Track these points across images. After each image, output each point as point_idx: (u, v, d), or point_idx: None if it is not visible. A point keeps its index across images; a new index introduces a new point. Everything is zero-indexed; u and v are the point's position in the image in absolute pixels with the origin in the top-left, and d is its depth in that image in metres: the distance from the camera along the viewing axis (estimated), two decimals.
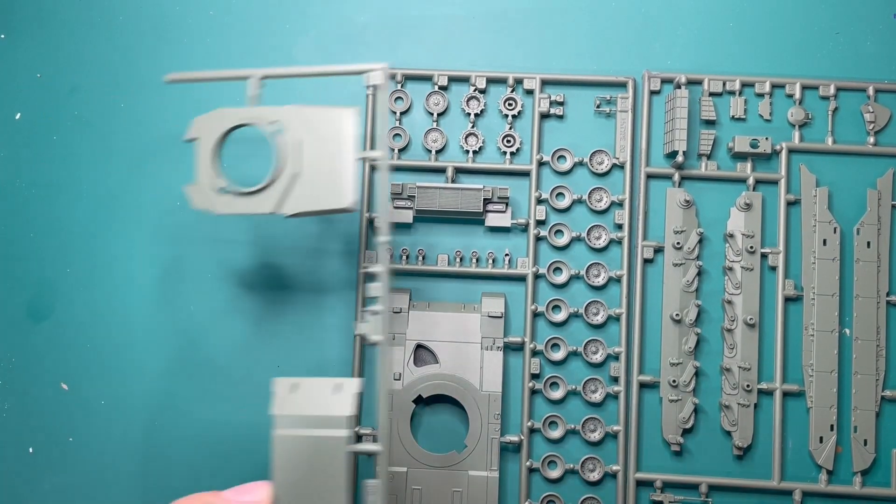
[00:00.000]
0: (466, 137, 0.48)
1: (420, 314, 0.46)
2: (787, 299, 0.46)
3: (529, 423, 0.45)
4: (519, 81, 0.48)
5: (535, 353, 0.46)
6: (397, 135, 0.48)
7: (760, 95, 0.48)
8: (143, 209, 0.48)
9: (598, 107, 0.48)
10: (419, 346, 0.45)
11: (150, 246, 0.48)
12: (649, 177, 0.47)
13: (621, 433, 0.45)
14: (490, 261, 0.47)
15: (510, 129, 0.48)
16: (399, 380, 0.45)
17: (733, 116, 0.48)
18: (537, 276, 0.47)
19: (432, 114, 0.48)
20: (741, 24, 0.49)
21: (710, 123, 0.48)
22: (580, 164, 0.48)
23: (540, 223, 0.47)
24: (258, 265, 0.47)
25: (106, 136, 0.48)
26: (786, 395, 0.46)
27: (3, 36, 0.49)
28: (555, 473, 0.45)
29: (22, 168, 0.48)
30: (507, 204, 0.47)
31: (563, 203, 0.47)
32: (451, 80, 0.48)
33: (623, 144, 0.47)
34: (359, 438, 0.43)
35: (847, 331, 0.46)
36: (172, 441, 0.46)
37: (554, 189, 0.47)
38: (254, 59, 0.49)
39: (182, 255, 0.47)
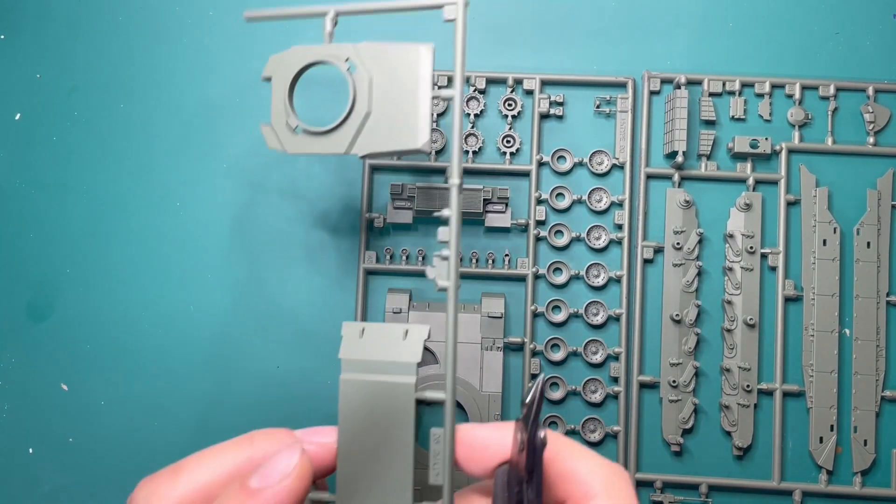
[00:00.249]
0: (466, 138, 0.48)
1: (420, 314, 0.46)
2: (787, 299, 0.46)
3: None
4: (518, 82, 0.48)
5: (534, 353, 0.46)
6: None
7: (760, 96, 0.48)
8: (144, 209, 0.48)
9: (597, 107, 0.48)
10: None
11: (147, 238, 0.48)
12: (649, 177, 0.47)
13: (621, 433, 0.45)
14: (490, 261, 0.47)
15: (510, 129, 0.48)
16: None
17: (733, 117, 0.48)
18: (537, 277, 0.47)
19: (432, 114, 0.48)
20: (741, 25, 0.49)
21: (709, 124, 0.48)
22: (580, 164, 0.48)
23: (540, 223, 0.47)
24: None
25: (106, 136, 0.48)
26: (786, 395, 0.46)
27: (2, 36, 0.49)
28: None
29: (22, 168, 0.48)
30: (506, 204, 0.46)
31: (563, 203, 0.47)
32: (451, 80, 0.48)
33: (623, 145, 0.47)
34: None
35: (847, 331, 0.46)
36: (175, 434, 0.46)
37: (554, 189, 0.47)
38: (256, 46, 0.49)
39: (182, 256, 0.48)
